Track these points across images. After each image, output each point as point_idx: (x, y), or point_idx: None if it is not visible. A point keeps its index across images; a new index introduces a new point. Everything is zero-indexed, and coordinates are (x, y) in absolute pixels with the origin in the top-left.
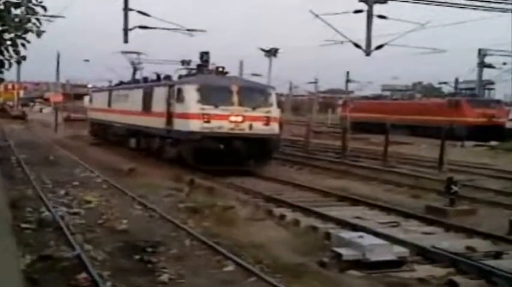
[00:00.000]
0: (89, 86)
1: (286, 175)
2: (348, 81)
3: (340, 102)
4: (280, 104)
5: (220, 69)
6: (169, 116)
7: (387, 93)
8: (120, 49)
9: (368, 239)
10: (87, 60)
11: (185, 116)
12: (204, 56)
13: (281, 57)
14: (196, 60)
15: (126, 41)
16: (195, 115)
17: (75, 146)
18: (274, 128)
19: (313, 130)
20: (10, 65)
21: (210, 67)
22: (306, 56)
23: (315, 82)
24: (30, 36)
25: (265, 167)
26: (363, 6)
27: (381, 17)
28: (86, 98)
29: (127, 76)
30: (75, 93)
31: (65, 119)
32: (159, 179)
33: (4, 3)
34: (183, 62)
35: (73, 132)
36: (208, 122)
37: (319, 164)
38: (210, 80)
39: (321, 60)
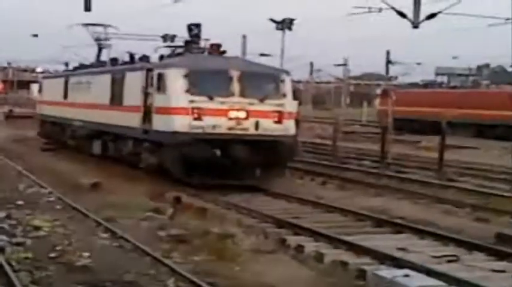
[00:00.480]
0: (39, 70)
1: (305, 191)
2: (388, 62)
3: (379, 91)
4: (297, 95)
5: (216, 47)
6: (147, 111)
7: (443, 79)
8: (80, 21)
9: (417, 279)
10: (35, 36)
11: (168, 111)
12: (194, 29)
13: (298, 31)
14: (183, 35)
15: (88, 8)
16: (182, 110)
17: (19, 152)
18: (289, 127)
19: (342, 130)
20: None
21: (202, 44)
22: (331, 29)
23: (344, 64)
24: None
25: (277, 181)
26: None
27: None
28: (35, 87)
29: (90, 57)
30: (19, 81)
31: (6, 115)
32: (133, 197)
33: None
34: (166, 38)
35: (17, 133)
36: (199, 119)
37: (351, 176)
38: (202, 61)
39: (351, 36)
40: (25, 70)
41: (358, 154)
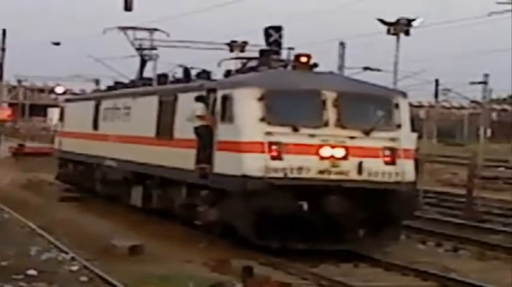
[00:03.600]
0: (59, 90)
1: (428, 260)
2: None
3: None
4: (416, 125)
5: (304, 59)
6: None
7: None
8: (117, 24)
9: None
10: (57, 44)
11: (236, 146)
12: (273, 34)
13: (418, 35)
14: (257, 42)
15: (128, 8)
16: (255, 145)
17: (31, 202)
18: (406, 170)
19: (481, 175)
20: None
21: (284, 55)
22: (466, 34)
23: (484, 82)
24: None
25: (389, 246)
26: None
27: None
28: (54, 113)
29: (129, 73)
30: (33, 104)
31: (14, 151)
32: (186, 267)
33: None
34: (233, 46)
35: (28, 176)
36: (279, 158)
37: (494, 240)
38: (284, 79)
39: (492, 43)
40: (41, 90)
41: (505, 209)
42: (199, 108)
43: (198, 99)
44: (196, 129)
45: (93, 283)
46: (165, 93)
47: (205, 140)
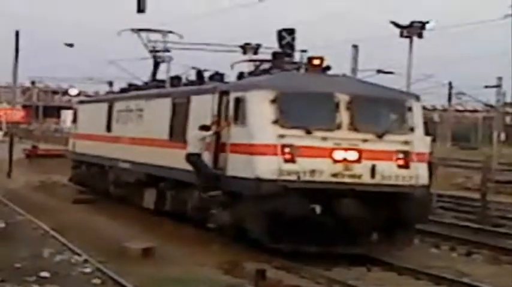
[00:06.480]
0: (73, 92)
1: (442, 264)
2: None
3: None
4: (430, 128)
5: (317, 62)
6: (219, 150)
7: None
8: (130, 25)
9: None
10: (70, 45)
11: (249, 149)
12: (286, 36)
13: (432, 38)
14: (270, 44)
15: (141, 9)
16: (268, 148)
17: (44, 204)
18: (419, 173)
19: (494, 179)
20: None
21: (297, 58)
22: (478, 36)
23: (498, 86)
24: None
25: (402, 250)
26: None
27: None
28: (67, 115)
29: (143, 75)
30: (47, 106)
31: (28, 153)
32: (199, 269)
33: None
34: (246, 49)
35: (41, 178)
36: (292, 161)
37: (511, 245)
38: (297, 81)
39: (506, 46)
40: (55, 92)
41: None
42: (208, 136)
43: (202, 128)
44: (188, 157)
45: (105, 286)
46: (178, 95)
47: (199, 166)
